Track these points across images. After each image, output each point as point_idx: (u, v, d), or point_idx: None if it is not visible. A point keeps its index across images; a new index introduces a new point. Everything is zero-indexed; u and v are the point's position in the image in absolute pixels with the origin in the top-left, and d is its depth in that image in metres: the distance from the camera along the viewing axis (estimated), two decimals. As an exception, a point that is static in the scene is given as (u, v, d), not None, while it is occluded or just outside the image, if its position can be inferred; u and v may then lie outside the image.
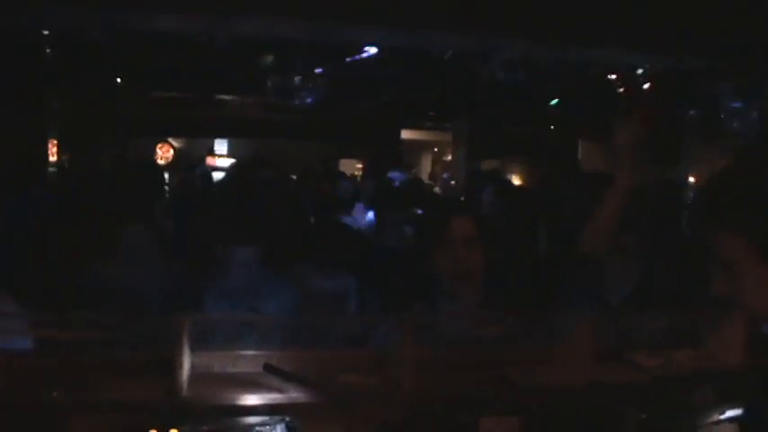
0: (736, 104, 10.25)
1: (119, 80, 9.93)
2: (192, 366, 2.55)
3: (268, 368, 2.52)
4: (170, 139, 13.70)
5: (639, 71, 9.11)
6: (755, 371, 2.85)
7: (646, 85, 9.42)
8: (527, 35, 7.26)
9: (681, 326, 3.34)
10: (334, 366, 2.68)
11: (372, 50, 8.11)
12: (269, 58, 8.28)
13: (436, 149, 15.21)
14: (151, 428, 2.28)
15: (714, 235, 1.72)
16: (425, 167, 15.17)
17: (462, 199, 9.77)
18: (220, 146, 14.27)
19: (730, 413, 2.63)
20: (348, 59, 8.12)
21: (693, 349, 3.11)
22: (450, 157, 13.53)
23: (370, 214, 8.26)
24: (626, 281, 3.96)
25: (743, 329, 2.99)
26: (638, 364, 3.01)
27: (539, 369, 2.82)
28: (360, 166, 13.23)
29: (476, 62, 8.46)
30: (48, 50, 7.75)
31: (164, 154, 13.57)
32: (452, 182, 11.37)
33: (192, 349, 2.54)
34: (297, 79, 8.64)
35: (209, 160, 13.61)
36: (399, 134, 12.82)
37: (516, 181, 11.75)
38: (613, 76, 9.67)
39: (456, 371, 2.70)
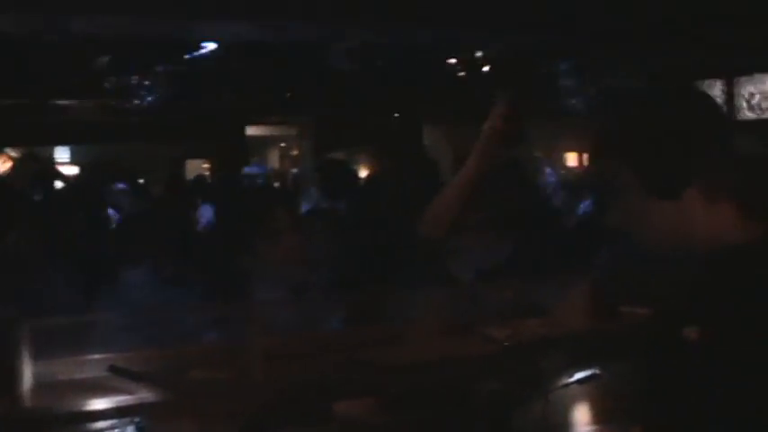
0: (573, 83, 10.60)
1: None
2: (35, 375, 2.45)
3: (114, 370, 2.45)
4: (8, 150, 13.22)
5: (478, 54, 9.29)
6: (601, 334, 2.94)
7: (485, 68, 9.63)
8: (366, 23, 7.28)
9: (530, 297, 3.41)
10: (183, 362, 2.63)
11: (211, 46, 8.00)
12: (104, 59, 8.08)
13: (284, 144, 15.15)
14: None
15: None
16: (274, 163, 15.09)
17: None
18: (61, 153, 13.85)
19: (579, 375, 2.70)
20: (186, 56, 7.98)
21: (542, 318, 3.18)
22: (297, 152, 13.53)
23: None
24: (480, 258, 4.01)
25: (588, 296, 3.08)
26: (489, 336, 3.05)
27: (391, 348, 2.83)
28: (206, 165, 13.06)
29: (316, 53, 8.47)
30: None
31: (2, 165, 13.08)
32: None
33: (35, 357, 2.44)
34: (134, 79, 8.49)
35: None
36: (244, 130, 12.71)
37: (364, 171, 11.79)
38: (453, 61, 9.85)
39: (307, 357, 2.68)
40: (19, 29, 6.77)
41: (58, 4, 6.10)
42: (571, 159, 13.35)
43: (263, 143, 14.58)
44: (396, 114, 12.47)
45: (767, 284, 1.57)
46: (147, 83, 8.69)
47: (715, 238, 1.66)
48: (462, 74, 10.17)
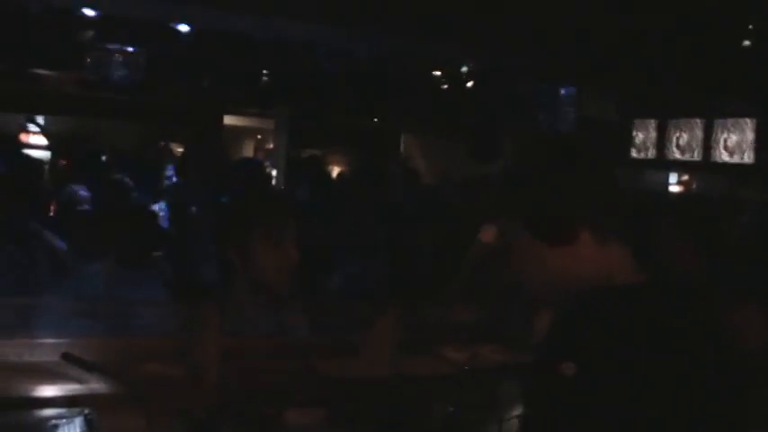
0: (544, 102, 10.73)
1: None
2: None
3: (67, 357, 2.42)
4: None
5: (464, 69, 9.30)
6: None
7: (469, 84, 9.65)
8: (352, 26, 7.28)
9: (487, 320, 3.42)
10: (137, 355, 2.60)
11: (196, 32, 7.96)
12: (88, 33, 8.00)
13: (259, 137, 15.09)
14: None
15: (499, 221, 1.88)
16: (248, 154, 15.01)
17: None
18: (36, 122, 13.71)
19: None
20: (171, 39, 7.92)
21: (499, 343, 3.19)
22: (272, 145, 13.46)
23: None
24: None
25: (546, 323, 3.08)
26: (446, 358, 3.05)
27: (344, 360, 2.82)
28: (181, 150, 12.98)
29: (301, 50, 8.45)
30: None
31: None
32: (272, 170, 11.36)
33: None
34: (116, 57, 8.43)
35: (23, 137, 13.05)
36: (222, 119, 12.65)
37: (335, 171, 11.77)
38: (438, 73, 9.86)
39: (260, 361, 2.66)
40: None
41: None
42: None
43: (239, 133, 14.52)
44: (374, 119, 12.47)
45: (645, 323, 1.62)
46: (129, 61, 8.63)
47: (606, 279, 1.71)
48: (446, 87, 10.19)
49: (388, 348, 2.76)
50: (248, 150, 15.38)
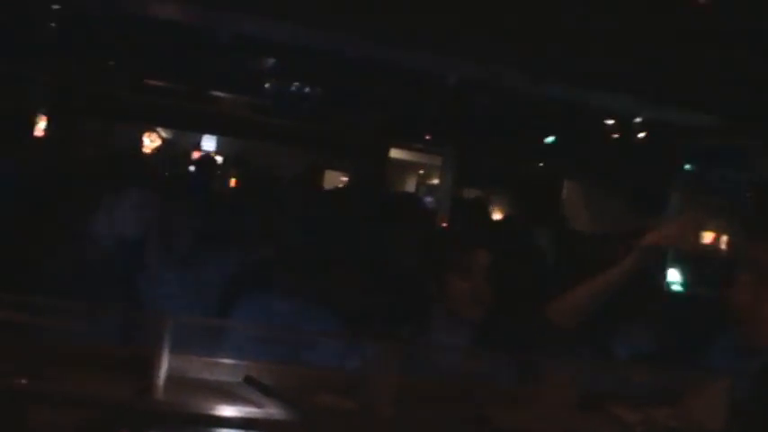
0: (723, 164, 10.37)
1: (113, 61, 9.84)
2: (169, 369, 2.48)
3: (249, 380, 2.46)
4: (158, 129, 13.63)
5: (637, 120, 9.13)
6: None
7: (641, 134, 9.45)
8: (528, 69, 7.25)
9: (662, 383, 3.30)
10: (312, 384, 2.62)
11: (373, 66, 8.07)
12: (269, 61, 8.23)
13: (422, 172, 15.20)
14: (121, 429, 2.20)
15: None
16: (409, 189, 15.12)
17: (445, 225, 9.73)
18: (208, 142, 14.18)
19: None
20: (345, 71, 8.07)
21: (673, 408, 3.07)
22: (436, 181, 13.50)
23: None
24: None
25: (723, 395, 2.96)
26: (617, 417, 2.96)
27: (516, 410, 2.77)
28: (344, 178, 13.19)
29: (475, 89, 8.46)
30: (45, 21, 7.67)
31: (150, 143, 13.49)
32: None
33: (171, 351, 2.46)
34: (294, 85, 8.63)
35: (195, 155, 13.54)
36: (388, 152, 12.79)
37: (497, 214, 11.71)
38: (611, 121, 9.70)
39: (434, 403, 2.64)
40: (191, 20, 6.96)
41: (234, 3, 6.25)
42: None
43: (401, 167, 14.65)
44: (540, 164, 12.38)
45: None
46: (304, 90, 8.83)
47: None
48: (616, 136, 10.01)
49: (563, 404, 2.70)
50: (410, 185, 15.50)
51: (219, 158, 13.52)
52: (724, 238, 8.16)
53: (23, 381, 2.37)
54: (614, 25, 6.29)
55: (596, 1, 6.06)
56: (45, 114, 10.37)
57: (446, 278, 3.27)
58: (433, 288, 3.26)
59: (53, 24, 7.59)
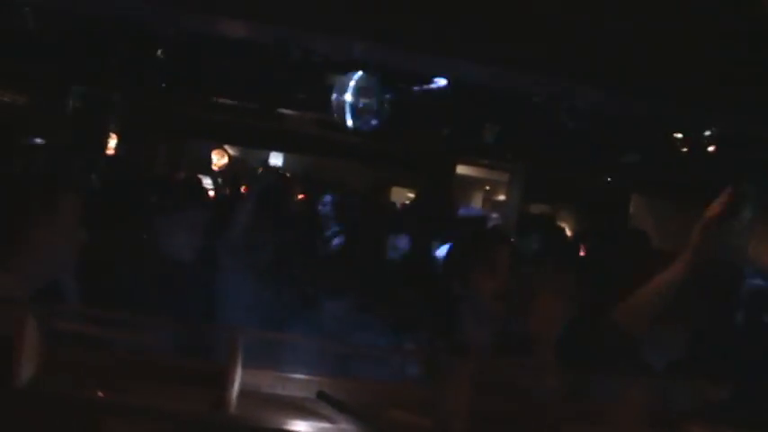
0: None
1: (182, 80, 9.98)
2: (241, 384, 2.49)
3: (321, 395, 2.46)
4: (225, 147, 13.80)
5: (707, 133, 8.99)
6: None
7: (710, 148, 9.31)
8: (595, 84, 7.19)
9: (737, 400, 3.23)
10: (383, 400, 2.61)
11: (441, 82, 8.08)
12: (336, 77, 8.27)
13: (488, 188, 15.17)
14: (196, 442, 2.22)
15: None
16: (475, 204, 15.10)
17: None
18: (275, 159, 14.30)
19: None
20: (416, 88, 8.08)
21: (751, 429, 3.01)
22: (502, 197, 13.47)
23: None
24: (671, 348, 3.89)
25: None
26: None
27: (590, 428, 2.74)
28: (411, 195, 13.20)
29: (545, 106, 8.40)
30: (117, 41, 7.81)
31: (218, 160, 13.65)
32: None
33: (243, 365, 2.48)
34: (362, 101, 8.64)
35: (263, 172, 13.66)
36: (455, 168, 12.80)
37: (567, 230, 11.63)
38: (679, 135, 9.56)
39: (510, 423, 2.61)
40: (260, 38, 7.02)
41: (304, 22, 6.29)
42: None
43: (467, 183, 14.64)
44: (608, 179, 12.27)
45: None
46: (372, 107, 8.84)
47: None
48: (685, 150, 9.87)
49: (637, 421, 2.66)
50: (477, 201, 15.48)
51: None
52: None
53: (99, 393, 2.40)
54: (682, 39, 6.23)
55: (662, 16, 6.01)
56: (118, 132, 10.56)
57: (472, 276, 3.37)
58: (461, 286, 3.35)
59: (124, 45, 7.73)
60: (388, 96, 8.49)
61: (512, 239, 3.69)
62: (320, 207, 8.28)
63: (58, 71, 9.21)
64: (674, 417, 2.97)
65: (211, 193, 9.42)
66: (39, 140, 8.89)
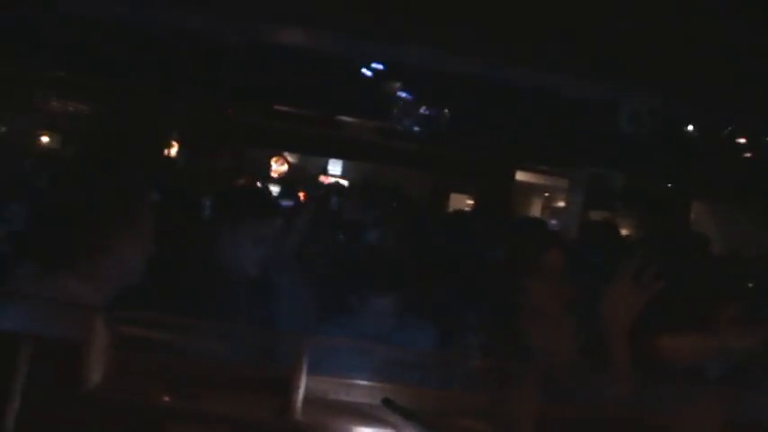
0: None
1: (241, 88, 10.06)
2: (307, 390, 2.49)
3: (387, 403, 2.45)
4: (285, 154, 13.86)
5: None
6: None
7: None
8: (658, 90, 7.14)
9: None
10: (449, 408, 2.60)
11: (498, 90, 8.07)
12: (396, 85, 8.30)
13: (547, 194, 15.06)
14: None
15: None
16: (534, 211, 15.00)
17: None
18: (334, 166, 14.34)
19: None
20: (474, 96, 8.08)
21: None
22: (561, 204, 13.36)
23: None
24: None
25: None
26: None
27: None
28: (470, 202, 13.17)
29: (604, 112, 8.36)
30: (177, 52, 7.91)
31: (278, 167, 13.72)
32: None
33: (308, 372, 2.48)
34: (421, 109, 8.67)
35: (322, 179, 13.71)
36: (514, 175, 12.76)
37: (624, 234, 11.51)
38: (742, 140, 9.46)
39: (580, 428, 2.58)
40: (319, 47, 7.08)
41: (367, 30, 6.33)
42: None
43: (526, 190, 14.56)
44: (669, 185, 12.15)
45: None
46: (430, 114, 8.86)
47: None
48: (748, 155, 9.76)
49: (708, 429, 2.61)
50: (536, 208, 15.38)
51: (345, 183, 13.66)
52: None
53: (165, 398, 2.41)
54: (741, 48, 6.17)
55: (727, 25, 5.96)
56: (178, 141, 10.67)
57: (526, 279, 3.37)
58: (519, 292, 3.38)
59: (186, 56, 7.82)
60: (446, 103, 8.51)
61: (567, 245, 3.68)
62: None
63: (122, 83, 9.35)
64: (744, 429, 2.92)
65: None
66: (106, 152, 9.02)
